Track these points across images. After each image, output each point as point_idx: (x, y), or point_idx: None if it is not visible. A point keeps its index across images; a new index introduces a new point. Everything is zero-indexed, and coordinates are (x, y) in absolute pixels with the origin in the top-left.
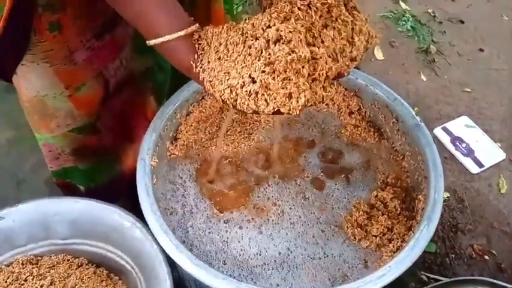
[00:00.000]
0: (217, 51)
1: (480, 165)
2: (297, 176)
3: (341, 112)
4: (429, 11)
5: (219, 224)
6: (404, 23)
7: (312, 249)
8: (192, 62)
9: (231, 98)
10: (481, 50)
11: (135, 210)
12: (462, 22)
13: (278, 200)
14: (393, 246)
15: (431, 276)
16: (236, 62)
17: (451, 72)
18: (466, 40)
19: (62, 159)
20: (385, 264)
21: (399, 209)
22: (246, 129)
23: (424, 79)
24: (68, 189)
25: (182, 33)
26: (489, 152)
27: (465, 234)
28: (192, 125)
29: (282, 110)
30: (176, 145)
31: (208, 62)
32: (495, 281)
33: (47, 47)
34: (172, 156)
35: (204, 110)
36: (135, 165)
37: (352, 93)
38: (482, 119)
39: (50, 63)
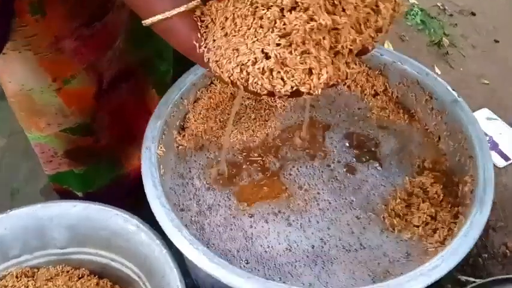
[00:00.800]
0: (223, 27)
1: (506, 158)
2: (325, 160)
3: (365, 94)
4: (438, 4)
5: (243, 219)
6: (413, 17)
7: (347, 239)
8: (194, 42)
9: (242, 78)
10: (496, 41)
11: (141, 215)
12: (473, 14)
13: (306, 185)
14: (439, 237)
15: (465, 278)
16: (246, 37)
17: (467, 64)
18: (479, 32)
19: (55, 162)
20: (436, 254)
21: (442, 195)
22: (261, 116)
23: (439, 72)
24: (66, 196)
25: (182, 9)
26: None
27: (496, 232)
28: (200, 113)
29: (301, 89)
30: (184, 135)
31: (214, 40)
32: None
33: (29, 32)
34: (180, 147)
35: (213, 96)
36: (138, 168)
37: (377, 72)
38: (503, 111)
39: (33, 51)
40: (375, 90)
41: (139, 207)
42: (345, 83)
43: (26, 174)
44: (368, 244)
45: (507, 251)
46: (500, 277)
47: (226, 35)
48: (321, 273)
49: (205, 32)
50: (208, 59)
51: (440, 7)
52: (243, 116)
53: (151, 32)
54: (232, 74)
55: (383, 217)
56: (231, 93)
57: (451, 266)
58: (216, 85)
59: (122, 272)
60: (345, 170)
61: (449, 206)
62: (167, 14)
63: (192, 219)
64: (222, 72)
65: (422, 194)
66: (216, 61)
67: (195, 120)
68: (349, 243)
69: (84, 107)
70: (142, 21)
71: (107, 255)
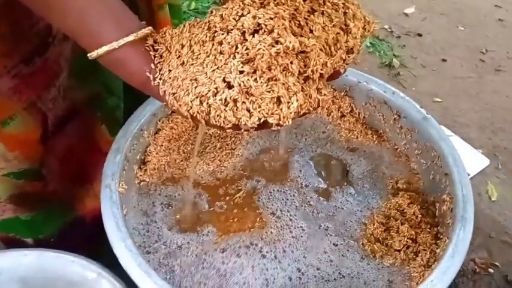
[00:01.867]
0: (179, 56)
1: None
2: (295, 185)
3: (332, 116)
4: (385, 26)
5: (214, 255)
6: None
7: (325, 268)
8: (148, 74)
9: (202, 112)
10: (444, 60)
11: (103, 263)
12: (420, 35)
13: (278, 211)
14: (422, 260)
15: None
16: (205, 65)
17: (418, 84)
18: (427, 52)
19: (0, 209)
20: (424, 280)
21: (420, 216)
22: (228, 144)
23: None
24: (14, 245)
25: (131, 38)
26: (472, 160)
27: None
28: (162, 145)
29: (270, 120)
30: (146, 169)
31: (170, 70)
32: None
33: None
34: (142, 183)
35: (175, 126)
36: (93, 211)
37: (342, 93)
38: (458, 127)
39: None
40: (341, 112)
41: (100, 255)
42: (316, 111)
43: None
44: (347, 273)
45: (476, 267)
46: None
47: (183, 64)
48: None
49: (159, 62)
50: (164, 91)
51: (388, 29)
52: (208, 146)
53: (97, 64)
54: (191, 107)
55: (362, 243)
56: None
57: None
58: (177, 115)
59: None
60: (316, 195)
61: (429, 226)
62: (115, 45)
63: (161, 261)
64: (180, 105)
65: (400, 216)
66: (173, 93)
67: (156, 153)
68: (327, 272)
69: (29, 151)
70: (88, 54)
71: None
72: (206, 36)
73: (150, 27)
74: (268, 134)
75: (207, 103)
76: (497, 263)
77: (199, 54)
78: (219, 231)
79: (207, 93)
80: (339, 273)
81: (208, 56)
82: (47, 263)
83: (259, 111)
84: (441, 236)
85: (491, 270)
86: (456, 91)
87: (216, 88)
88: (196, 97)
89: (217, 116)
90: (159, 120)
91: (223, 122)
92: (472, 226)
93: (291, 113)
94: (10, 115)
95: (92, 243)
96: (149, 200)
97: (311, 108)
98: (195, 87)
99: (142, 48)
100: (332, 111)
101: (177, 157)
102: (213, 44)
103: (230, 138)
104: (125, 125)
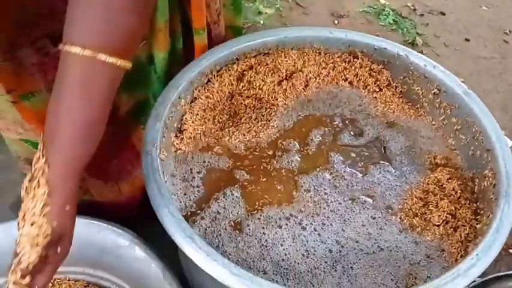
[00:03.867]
0: None
1: None
2: (331, 161)
3: (368, 89)
4: (408, 4)
5: (257, 225)
6: (385, 17)
7: (364, 241)
8: None
9: None
10: (467, 39)
11: None
12: (443, 14)
13: (315, 187)
14: (460, 236)
15: None
16: None
17: (441, 63)
18: (450, 31)
19: (21, 165)
20: (470, 253)
21: (459, 191)
22: (263, 116)
23: None
24: None
25: None
26: None
27: None
28: (198, 114)
29: None
30: (182, 138)
31: None
32: None
33: None
34: (179, 151)
35: (211, 96)
36: (116, 202)
37: (380, 66)
38: None
39: None
40: (378, 85)
41: None
42: (346, 78)
43: None
44: (386, 246)
45: None
46: (501, 274)
47: None
48: (342, 279)
49: None
50: None
51: (411, 7)
52: (244, 116)
53: (145, 74)
54: None
55: (400, 217)
56: (229, 92)
57: (486, 264)
58: (213, 83)
59: None
60: (352, 169)
61: (468, 202)
62: None
63: (202, 227)
64: None
65: (439, 191)
66: None
67: (192, 122)
68: (366, 245)
69: None
70: None
71: (95, 274)
72: None
73: None
74: (304, 105)
75: None
76: None
77: None
78: (254, 202)
79: None
80: (378, 246)
81: None
82: (79, 229)
83: None
84: (481, 212)
85: (511, 251)
86: (479, 71)
87: None
88: None
89: None
90: (196, 89)
91: None
92: None
93: None
94: (31, 91)
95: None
96: (187, 167)
97: None
98: None
99: None
100: (368, 84)
101: (212, 127)
102: None
103: (265, 110)
104: (163, 92)
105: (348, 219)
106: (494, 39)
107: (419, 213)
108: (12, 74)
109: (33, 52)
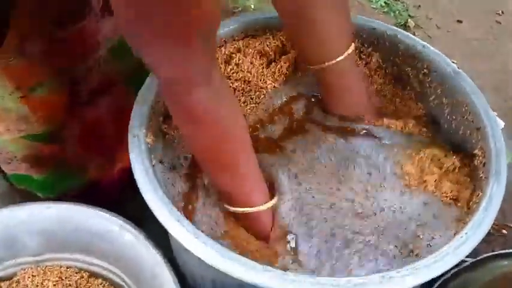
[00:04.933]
0: None
1: None
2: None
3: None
4: None
5: None
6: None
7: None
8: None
9: None
10: (459, 21)
11: None
12: None
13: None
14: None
15: None
16: None
17: (433, 45)
18: (442, 13)
19: (13, 165)
20: (460, 232)
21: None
22: (252, 99)
23: None
24: (25, 196)
25: (267, 206)
26: None
27: None
28: None
29: None
30: (170, 123)
31: None
32: None
33: None
34: (167, 136)
35: None
36: (111, 177)
37: (370, 49)
38: None
39: None
40: (368, 68)
41: None
42: None
43: None
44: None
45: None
46: (493, 253)
47: None
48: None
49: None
50: None
51: None
52: None
53: None
54: None
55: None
56: None
57: (476, 242)
58: None
59: (104, 278)
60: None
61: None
62: (260, 209)
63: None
64: None
65: (438, 163)
66: None
67: None
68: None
69: (52, 115)
70: (231, 209)
71: (86, 260)
72: None
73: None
74: (293, 88)
75: None
76: (510, 225)
77: None
78: None
79: None
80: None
81: None
82: (69, 215)
83: None
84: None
85: (504, 231)
86: (471, 53)
87: None
88: None
89: None
90: None
91: None
92: (505, 179)
93: None
94: (39, 81)
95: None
96: (174, 153)
97: None
98: None
99: (270, 214)
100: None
101: None
102: None
103: (254, 93)
104: (149, 76)
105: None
106: (486, 20)
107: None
108: (21, 69)
109: (40, 41)
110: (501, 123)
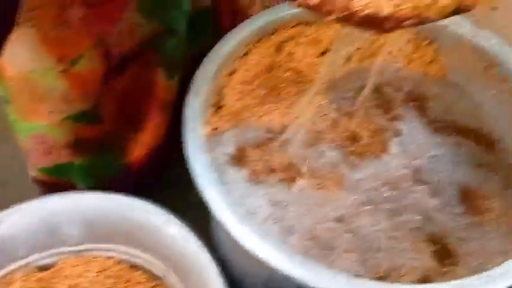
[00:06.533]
0: None
1: None
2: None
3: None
4: None
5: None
6: None
7: None
8: None
9: None
10: None
11: None
12: None
13: None
14: None
15: None
16: None
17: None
18: None
19: (55, 154)
20: None
21: None
22: (305, 90)
23: None
24: (61, 190)
25: None
26: None
27: None
28: (236, 88)
29: None
30: (221, 115)
31: None
32: None
33: (31, 3)
34: (218, 129)
35: (249, 69)
36: (141, 157)
37: (426, 42)
38: None
39: (36, 28)
40: (423, 61)
41: None
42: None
43: (10, 163)
44: None
45: None
46: None
47: None
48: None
49: None
50: None
51: None
52: (283, 91)
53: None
54: None
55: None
56: (268, 64)
57: None
58: (252, 56)
59: (148, 272)
60: None
61: None
62: None
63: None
64: None
65: None
66: None
67: (231, 96)
68: None
69: (90, 90)
70: None
71: (128, 252)
72: None
73: None
74: (352, 82)
75: None
76: None
77: None
78: None
79: None
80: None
81: None
82: (111, 206)
83: None
84: None
85: None
86: None
87: None
88: None
89: None
90: (234, 61)
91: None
92: None
93: None
94: (80, 53)
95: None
96: (224, 148)
97: None
98: None
99: None
100: (414, 60)
101: (251, 102)
102: None
103: (305, 85)
104: (202, 65)
105: None
106: None
107: None
108: (62, 41)
109: (79, 7)
110: None
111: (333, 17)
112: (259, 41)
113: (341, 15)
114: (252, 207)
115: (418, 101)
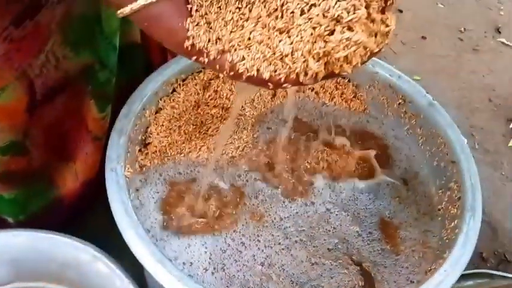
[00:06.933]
0: (228, 10)
1: None
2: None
3: (334, 102)
4: None
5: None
6: None
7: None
8: (188, 31)
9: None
10: (423, 37)
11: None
12: (400, 11)
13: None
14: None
15: None
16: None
17: (399, 61)
18: (407, 28)
19: None
20: (439, 269)
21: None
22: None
23: None
24: None
25: None
26: None
27: None
28: (163, 125)
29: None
30: (147, 153)
31: (220, 26)
32: (494, 272)
33: None
34: (144, 168)
35: (176, 106)
36: (74, 190)
37: (346, 80)
38: None
39: None
40: (344, 98)
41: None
42: (313, 89)
43: None
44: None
45: None
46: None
47: (232, 19)
48: None
49: (201, 17)
50: (208, 51)
51: None
52: (210, 128)
53: (91, 34)
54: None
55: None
56: (195, 102)
57: (454, 279)
58: (179, 93)
59: None
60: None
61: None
62: None
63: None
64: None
65: None
66: (223, 51)
67: (157, 134)
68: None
69: (16, 122)
70: (119, 11)
71: None
72: None
73: None
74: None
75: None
76: None
77: (254, 5)
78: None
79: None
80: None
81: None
82: (39, 243)
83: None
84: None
85: None
86: (435, 69)
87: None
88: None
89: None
90: (160, 99)
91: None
92: (481, 215)
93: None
94: (2, 86)
95: (68, 227)
96: (150, 186)
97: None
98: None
99: (179, 2)
100: (335, 97)
101: (178, 138)
102: None
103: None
104: (126, 104)
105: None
106: (449, 37)
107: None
108: None
109: (1, 43)
110: (465, 140)
111: (224, 75)
112: (186, 78)
113: (230, 74)
114: (172, 254)
115: (342, 134)
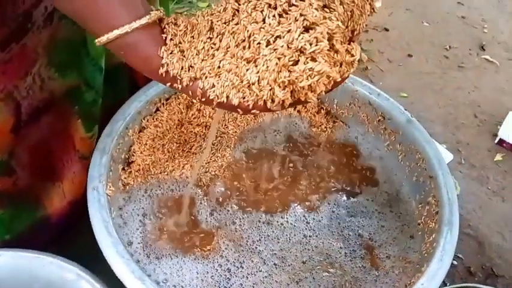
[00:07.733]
0: (200, 40)
1: None
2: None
3: (311, 121)
4: None
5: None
6: None
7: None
8: (162, 59)
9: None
10: (410, 55)
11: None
12: (387, 30)
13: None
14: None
15: None
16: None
17: (385, 78)
18: (393, 47)
19: None
20: (416, 282)
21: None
22: (214, 144)
23: None
24: None
25: (144, 21)
26: None
27: None
28: (146, 144)
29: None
30: (130, 171)
31: (192, 54)
32: (482, 286)
33: None
34: (128, 187)
35: (160, 124)
36: (61, 209)
37: (326, 97)
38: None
39: None
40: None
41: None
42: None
43: None
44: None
45: None
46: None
47: (203, 49)
48: None
49: (175, 46)
50: (181, 78)
51: None
52: (194, 146)
53: (77, 56)
54: (223, 93)
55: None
56: (178, 120)
57: None
58: (162, 112)
59: None
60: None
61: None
62: (127, 28)
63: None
64: (204, 92)
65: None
66: (195, 78)
67: (141, 152)
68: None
69: (2, 142)
70: (96, 40)
71: None
72: (228, 16)
73: (162, 10)
74: (255, 134)
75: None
76: (460, 255)
77: (224, 36)
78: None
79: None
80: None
81: (235, 36)
82: (22, 263)
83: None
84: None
85: (454, 262)
86: (421, 86)
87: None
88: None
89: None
90: (144, 118)
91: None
92: (458, 230)
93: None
94: None
95: (54, 245)
96: (134, 204)
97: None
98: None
99: (154, 31)
100: (311, 118)
101: (162, 157)
102: (239, 24)
103: (216, 138)
104: (109, 123)
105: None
106: (435, 54)
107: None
108: None
109: None
110: (449, 156)
111: (196, 100)
112: (169, 98)
113: (202, 100)
114: (162, 277)
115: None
